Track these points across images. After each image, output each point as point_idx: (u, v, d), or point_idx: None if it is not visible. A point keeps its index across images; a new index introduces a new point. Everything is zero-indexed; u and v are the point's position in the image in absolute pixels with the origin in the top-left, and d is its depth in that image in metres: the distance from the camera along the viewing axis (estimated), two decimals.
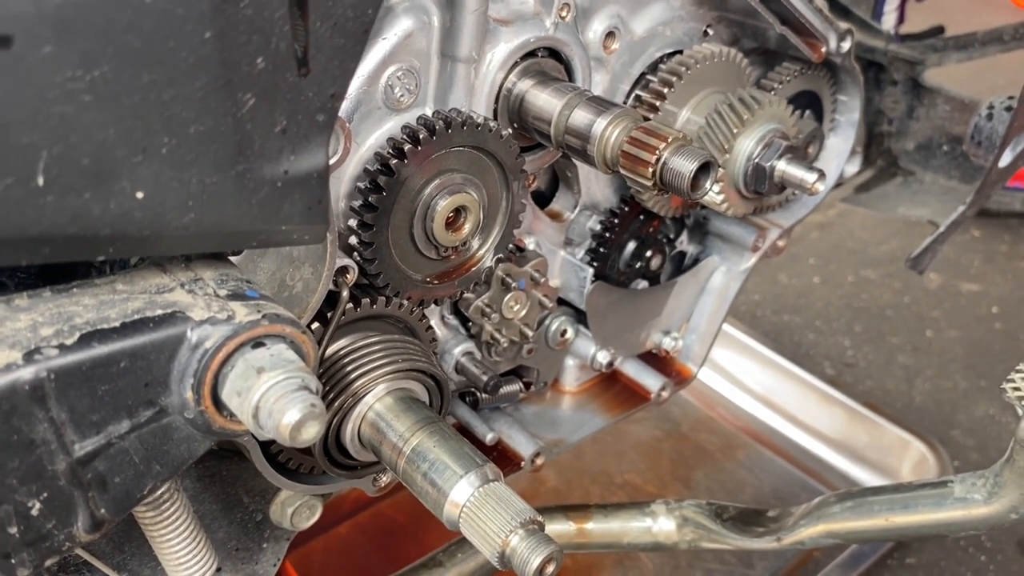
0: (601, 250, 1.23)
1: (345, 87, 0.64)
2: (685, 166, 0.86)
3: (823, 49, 1.18)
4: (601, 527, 1.24)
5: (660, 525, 1.22)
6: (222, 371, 0.67)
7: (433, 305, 1.06)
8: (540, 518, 0.79)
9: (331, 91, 0.62)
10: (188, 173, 0.57)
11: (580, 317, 1.26)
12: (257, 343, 0.68)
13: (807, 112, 1.29)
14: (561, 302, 1.24)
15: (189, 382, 0.67)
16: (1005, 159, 1.32)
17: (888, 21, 2.48)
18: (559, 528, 1.24)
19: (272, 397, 0.64)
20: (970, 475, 1.02)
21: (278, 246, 0.67)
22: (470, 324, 1.13)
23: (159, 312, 0.66)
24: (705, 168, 0.87)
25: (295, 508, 1.05)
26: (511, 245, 1.11)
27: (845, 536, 1.10)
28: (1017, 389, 0.92)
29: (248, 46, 0.55)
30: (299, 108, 0.60)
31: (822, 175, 1.07)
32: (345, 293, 0.88)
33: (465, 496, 0.80)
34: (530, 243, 1.17)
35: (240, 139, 0.58)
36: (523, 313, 1.15)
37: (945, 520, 1.02)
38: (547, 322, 1.23)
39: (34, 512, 0.62)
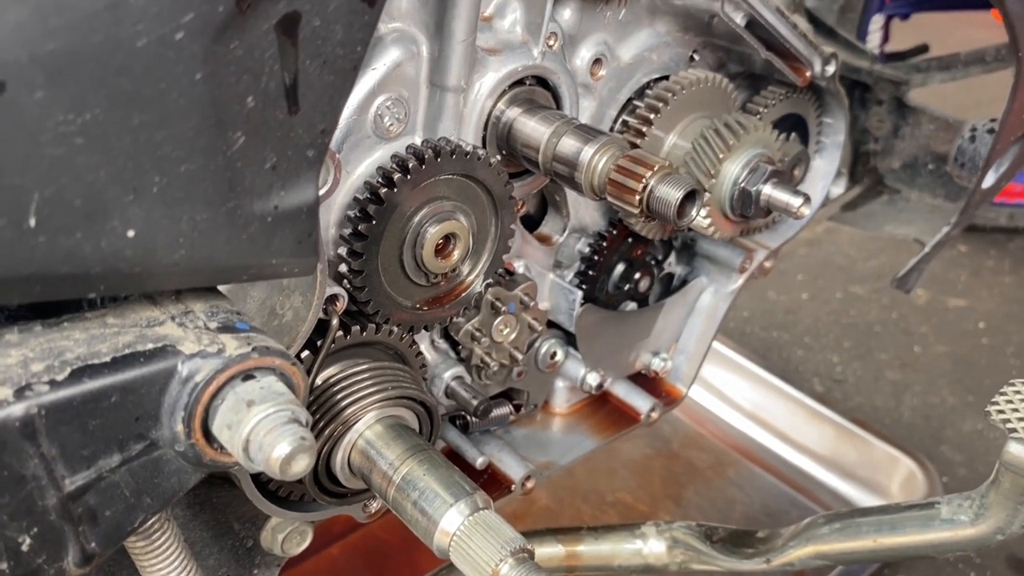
0: (590, 273, 1.24)
1: (335, 123, 0.64)
2: (671, 194, 0.87)
3: (808, 73, 1.20)
4: (592, 550, 1.24)
5: (650, 547, 1.22)
6: (212, 404, 0.67)
7: (423, 330, 1.06)
8: (530, 546, 0.79)
9: (321, 127, 0.63)
10: (179, 211, 0.57)
11: (570, 339, 1.27)
12: (247, 376, 0.68)
13: (793, 135, 1.30)
14: (551, 324, 1.25)
15: (180, 415, 0.67)
16: (988, 180, 1.34)
17: (873, 40, 2.51)
18: (550, 551, 1.24)
19: (262, 430, 0.65)
20: (956, 496, 1.02)
21: (268, 279, 0.68)
22: (460, 348, 1.14)
23: (150, 346, 0.66)
24: (691, 196, 0.88)
25: (286, 534, 1.05)
26: (500, 269, 1.12)
27: (834, 558, 1.11)
28: (1001, 411, 0.93)
29: (238, 86, 0.55)
30: (289, 144, 0.61)
31: (807, 199, 1.08)
32: (335, 321, 0.88)
33: (455, 525, 0.81)
34: (519, 267, 1.17)
35: (230, 176, 0.58)
36: (513, 336, 1.15)
37: (932, 541, 1.03)
38: (537, 345, 1.24)
39: (24, 547, 0.62)
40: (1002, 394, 0.95)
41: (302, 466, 0.65)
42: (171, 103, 0.53)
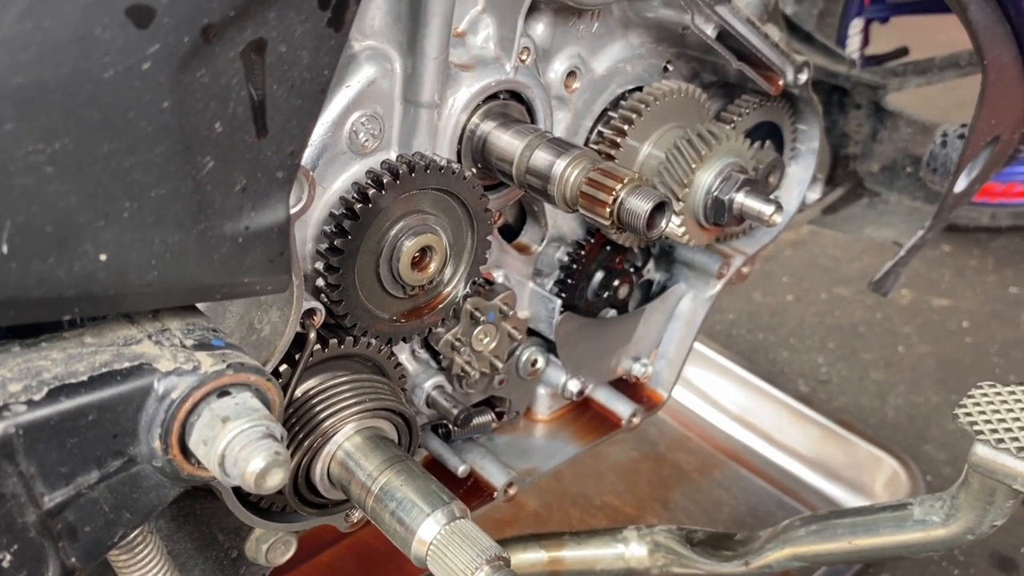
0: (569, 281, 1.25)
1: (304, 144, 0.66)
2: (641, 206, 0.89)
3: (780, 82, 1.22)
4: (574, 555, 1.26)
5: (632, 551, 1.24)
6: (189, 420, 0.69)
7: (403, 341, 1.08)
8: (506, 554, 0.80)
9: (290, 149, 0.64)
10: (150, 234, 0.59)
11: (550, 347, 1.28)
12: (223, 392, 0.69)
13: (767, 142, 1.32)
14: (531, 332, 1.27)
15: (157, 432, 0.68)
16: (960, 184, 1.36)
17: (853, 44, 2.54)
18: (532, 557, 1.25)
19: (237, 446, 0.66)
20: (929, 497, 1.04)
21: (244, 297, 0.69)
22: (441, 358, 1.15)
23: (126, 364, 0.68)
24: (660, 208, 0.90)
25: (270, 544, 1.06)
26: (479, 279, 1.13)
27: (811, 559, 1.12)
28: (968, 414, 0.95)
29: (206, 112, 0.57)
30: (258, 167, 0.63)
31: (779, 207, 1.10)
32: (312, 335, 0.90)
33: (432, 534, 0.82)
34: (499, 276, 1.19)
35: (201, 199, 0.60)
36: (493, 345, 1.17)
37: (906, 542, 1.05)
38: (517, 353, 1.25)
39: (4, 564, 0.64)
40: (969, 397, 0.97)
41: (276, 480, 0.66)
42: (139, 131, 0.54)
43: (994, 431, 0.92)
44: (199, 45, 0.54)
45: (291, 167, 0.65)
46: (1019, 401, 0.97)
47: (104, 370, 0.67)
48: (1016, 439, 0.93)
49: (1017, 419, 0.95)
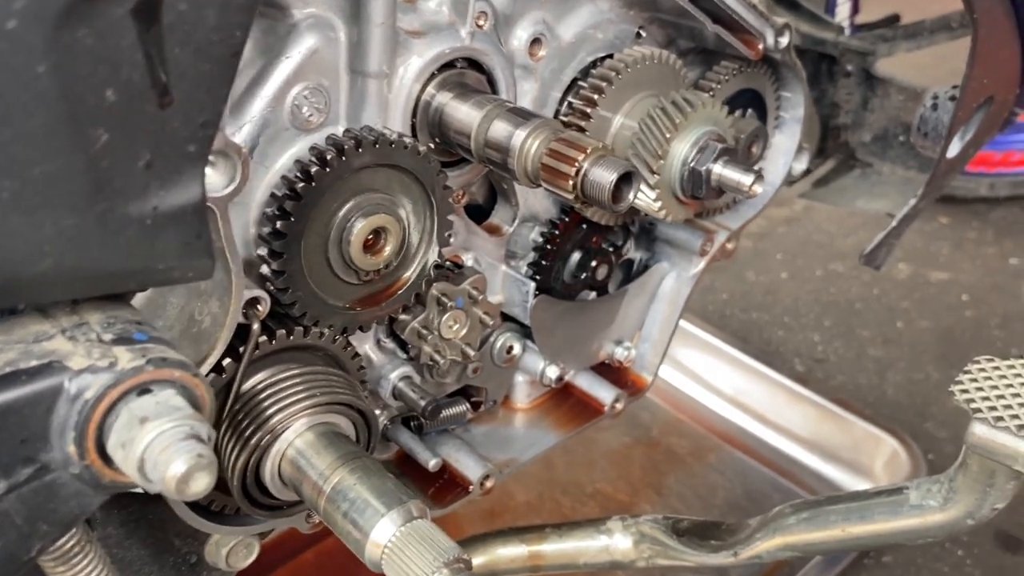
0: (544, 262, 1.19)
1: (218, 114, 0.59)
2: (605, 177, 0.83)
3: (760, 46, 1.15)
4: (556, 548, 1.20)
5: (616, 543, 1.18)
6: (106, 422, 0.63)
7: (360, 330, 1.02)
8: (467, 556, 0.75)
9: (200, 120, 0.58)
10: (38, 217, 0.52)
11: (527, 332, 1.22)
12: (143, 390, 0.63)
13: (749, 111, 1.25)
14: (506, 318, 1.21)
15: (70, 436, 0.62)
16: (953, 149, 1.29)
17: (842, 12, 2.47)
18: (512, 552, 1.20)
19: (157, 448, 0.60)
20: (925, 481, 0.98)
21: (160, 285, 0.63)
22: (408, 347, 1.09)
23: (34, 363, 0.62)
24: (627, 178, 0.84)
25: (230, 548, 1.01)
26: (447, 263, 1.07)
27: (803, 548, 1.06)
28: (965, 391, 0.89)
29: (93, 78, 0.51)
30: (164, 140, 0.56)
31: (759, 177, 1.04)
32: (256, 326, 0.84)
33: (387, 536, 0.76)
34: (468, 259, 1.13)
35: (97, 177, 0.54)
36: (463, 332, 1.11)
37: (902, 528, 0.99)
38: (492, 339, 1.19)
39: None
40: (966, 372, 0.91)
41: (201, 485, 0.60)
42: (12, 99, 0.48)
43: (992, 408, 0.86)
44: (77, 1, 0.48)
45: (204, 139, 0.59)
46: (1019, 376, 0.91)
47: (8, 369, 0.61)
48: (1016, 416, 0.87)
49: (1017, 395, 0.89)
